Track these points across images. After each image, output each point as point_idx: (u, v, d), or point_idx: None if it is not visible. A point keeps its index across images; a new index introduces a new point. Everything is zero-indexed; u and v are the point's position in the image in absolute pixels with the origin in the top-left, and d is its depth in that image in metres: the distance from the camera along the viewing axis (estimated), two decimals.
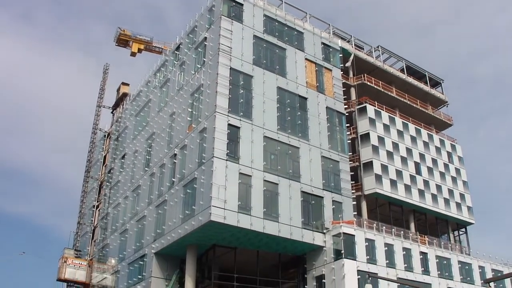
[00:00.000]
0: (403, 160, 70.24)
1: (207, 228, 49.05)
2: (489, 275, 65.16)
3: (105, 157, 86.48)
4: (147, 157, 66.00)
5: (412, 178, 70.18)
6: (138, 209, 64.07)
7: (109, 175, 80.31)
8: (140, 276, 59.08)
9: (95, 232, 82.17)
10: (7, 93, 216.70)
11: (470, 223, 77.98)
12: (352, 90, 71.59)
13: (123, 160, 75.13)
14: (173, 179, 56.59)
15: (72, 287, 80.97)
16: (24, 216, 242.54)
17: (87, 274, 76.64)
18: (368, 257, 54.65)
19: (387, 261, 56.32)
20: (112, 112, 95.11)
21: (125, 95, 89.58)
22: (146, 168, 65.40)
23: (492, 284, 30.73)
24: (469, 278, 64.88)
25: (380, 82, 75.10)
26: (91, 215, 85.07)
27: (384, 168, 66.90)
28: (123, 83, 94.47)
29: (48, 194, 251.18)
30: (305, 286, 55.26)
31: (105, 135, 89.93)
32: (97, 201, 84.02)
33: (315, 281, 54.46)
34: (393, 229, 60.21)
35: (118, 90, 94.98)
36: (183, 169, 55.20)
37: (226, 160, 50.41)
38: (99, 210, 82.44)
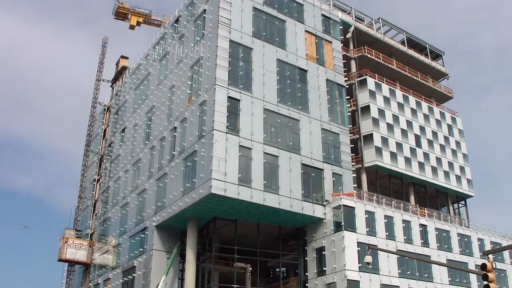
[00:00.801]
0: (403, 132, 70.21)
1: (207, 200, 49.22)
2: (488, 247, 65.61)
3: (105, 130, 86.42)
4: (147, 130, 65.95)
5: (412, 150, 70.22)
6: (139, 182, 64.19)
7: (109, 148, 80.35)
8: (141, 249, 59.39)
9: (96, 206, 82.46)
10: (7, 66, 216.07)
11: (470, 196, 78.27)
12: (353, 63, 71.29)
13: (123, 134, 75.10)
14: (173, 152, 56.61)
15: (73, 267, 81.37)
16: (25, 189, 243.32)
17: (88, 254, 76.80)
18: (368, 229, 54.92)
19: (387, 233, 56.62)
20: (111, 86, 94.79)
21: (124, 68, 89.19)
22: (146, 142, 65.39)
23: (490, 256, 30.75)
24: (468, 250, 65.30)
25: (381, 54, 74.75)
26: (92, 189, 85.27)
27: (384, 140, 66.89)
28: (122, 57, 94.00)
29: (49, 168, 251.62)
30: (305, 258, 55.64)
31: (104, 109, 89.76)
32: (98, 175, 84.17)
33: (315, 253, 54.79)
34: (393, 202, 60.39)
35: (117, 63, 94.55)
36: (183, 142, 55.18)
37: (226, 133, 50.40)
38: (99, 184, 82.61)
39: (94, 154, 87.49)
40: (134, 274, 59.41)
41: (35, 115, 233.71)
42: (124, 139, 74.06)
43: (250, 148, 51.55)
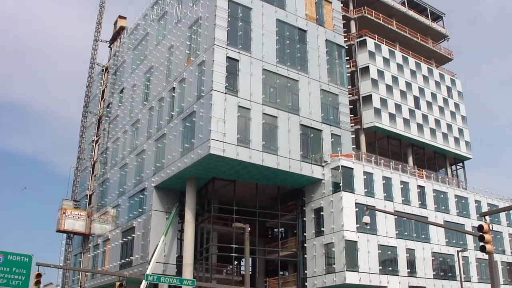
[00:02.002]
0: (403, 94, 70.02)
1: (206, 161, 49.31)
2: (484, 209, 66.02)
3: (103, 91, 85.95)
4: (146, 91, 65.66)
5: (411, 112, 70.15)
6: (138, 143, 64.17)
7: (107, 109, 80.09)
8: (140, 210, 59.69)
9: (95, 167, 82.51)
10: (5, 30, 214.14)
11: (468, 158, 78.52)
12: (352, 23, 70.75)
13: (121, 94, 74.80)
14: (172, 113, 56.49)
15: (72, 240, 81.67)
16: (25, 151, 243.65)
17: (86, 224, 76.84)
18: (366, 190, 55.18)
19: (385, 194, 56.91)
20: (109, 46, 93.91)
21: (122, 28, 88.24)
22: (144, 102, 65.17)
23: (487, 217, 30.98)
24: (465, 212, 65.75)
25: (381, 15, 74.08)
26: (90, 150, 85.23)
27: (383, 101, 66.74)
28: (120, 17, 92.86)
29: (49, 130, 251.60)
30: (304, 219, 56.00)
31: (103, 70, 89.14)
32: (97, 136, 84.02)
33: (313, 213, 55.13)
34: (391, 163, 60.55)
35: (115, 23, 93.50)
36: (182, 102, 55.01)
37: (225, 93, 50.24)
38: (98, 145, 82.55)
39: (92, 115, 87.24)
40: (133, 235, 59.82)
41: (34, 78, 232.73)
42: (122, 99, 73.80)
43: (249, 109, 51.45)
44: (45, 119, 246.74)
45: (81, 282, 76.23)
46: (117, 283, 38.36)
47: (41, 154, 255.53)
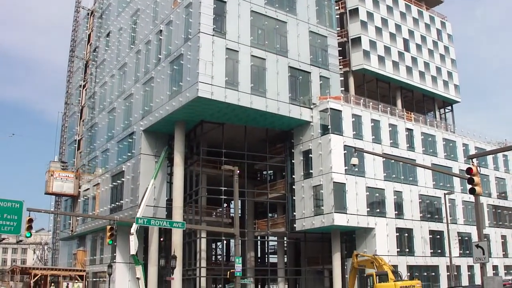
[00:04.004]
0: (392, 36, 69.50)
1: (194, 104, 49.08)
2: (472, 152, 66.46)
3: (89, 35, 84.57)
4: (132, 34, 64.72)
5: (400, 54, 69.79)
6: (125, 87, 63.64)
7: (94, 53, 79.07)
8: (129, 154, 59.64)
9: (83, 112, 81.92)
10: None
11: (456, 102, 78.74)
12: None
13: (108, 38, 73.72)
14: (160, 56, 55.86)
15: (60, 202, 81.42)
16: (12, 99, 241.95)
17: (74, 186, 76.12)
18: (354, 132, 55.33)
19: (373, 137, 57.14)
20: None
21: None
22: (131, 46, 64.35)
23: (475, 160, 31.14)
24: (452, 155, 66.27)
25: None
26: (78, 95, 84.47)
27: (372, 44, 66.26)
28: None
29: (36, 77, 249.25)
30: (292, 161, 56.25)
31: (88, 13, 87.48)
32: (84, 81, 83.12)
33: (302, 155, 55.36)
34: (380, 105, 60.56)
35: None
36: (169, 45, 54.34)
37: (213, 35, 49.62)
38: (86, 90, 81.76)
39: (79, 60, 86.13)
40: (123, 179, 59.97)
41: (21, 25, 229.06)
42: (109, 43, 72.79)
43: (237, 51, 50.97)
44: (32, 66, 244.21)
45: (72, 227, 76.66)
46: (108, 227, 38.69)
47: (28, 100, 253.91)
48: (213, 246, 79.04)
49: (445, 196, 57.22)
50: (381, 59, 66.65)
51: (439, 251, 60.06)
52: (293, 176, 55.93)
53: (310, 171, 53.90)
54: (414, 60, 71.57)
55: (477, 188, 27.97)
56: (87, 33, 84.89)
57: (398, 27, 70.94)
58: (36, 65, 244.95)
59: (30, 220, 35.12)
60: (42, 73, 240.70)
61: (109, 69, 70.65)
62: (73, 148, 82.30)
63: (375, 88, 66.87)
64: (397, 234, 56.15)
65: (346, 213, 52.22)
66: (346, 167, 52.64)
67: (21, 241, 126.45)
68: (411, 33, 72.81)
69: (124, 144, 61.60)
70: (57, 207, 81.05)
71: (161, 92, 53.91)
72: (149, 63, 58.27)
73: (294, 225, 55.12)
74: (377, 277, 39.51)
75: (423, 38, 74.65)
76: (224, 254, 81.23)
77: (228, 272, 41.69)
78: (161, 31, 56.49)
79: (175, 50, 52.86)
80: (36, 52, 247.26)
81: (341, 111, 54.79)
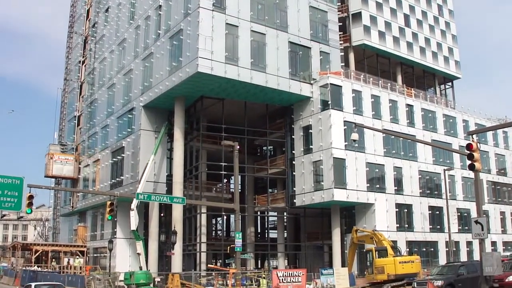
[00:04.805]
0: (393, 11, 68.97)
1: (194, 79, 48.91)
2: (472, 128, 66.56)
3: (88, 11, 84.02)
4: (132, 9, 64.23)
5: (401, 30, 69.38)
6: (125, 62, 63.34)
7: (93, 29, 78.58)
8: (129, 130, 59.59)
9: (82, 88, 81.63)
10: None
11: (457, 78, 78.49)
12: None
13: (107, 14, 73.17)
14: (159, 31, 55.54)
15: (60, 185, 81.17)
16: (12, 75, 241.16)
17: (74, 169, 75.73)
18: (354, 108, 55.25)
19: (373, 113, 57.08)
20: None
21: None
22: (131, 21, 63.93)
23: (475, 136, 31.10)
24: (452, 131, 66.27)
25: None
26: (77, 71, 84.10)
27: (373, 19, 65.78)
28: None
29: (35, 53, 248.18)
30: (292, 136, 56.29)
31: None
32: (83, 57, 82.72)
33: (302, 131, 55.36)
34: (380, 81, 60.46)
35: None
36: (169, 20, 53.98)
37: (212, 10, 49.31)
38: (85, 66, 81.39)
39: (78, 36, 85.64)
40: (123, 155, 59.98)
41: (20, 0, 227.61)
42: (108, 19, 72.29)
43: (237, 26, 50.69)
44: (32, 42, 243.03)
45: (72, 203, 76.82)
46: (108, 202, 38.70)
47: (28, 76, 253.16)
48: (213, 221, 79.39)
49: (444, 172, 57.30)
50: (381, 34, 66.26)
51: (438, 227, 60.30)
52: (293, 152, 55.99)
53: (310, 146, 53.92)
54: (414, 35, 71.17)
55: (477, 164, 27.94)
56: (86, 9, 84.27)
57: (398, 2, 70.36)
58: (37, 41, 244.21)
59: (31, 197, 35.13)
60: (41, 49, 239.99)
61: (108, 45, 70.28)
62: (72, 124, 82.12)
63: (375, 64, 66.60)
64: (397, 209, 56.37)
65: (346, 189, 52.37)
66: (346, 143, 52.69)
67: (21, 217, 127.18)
68: (411, 8, 72.29)
69: (124, 120, 61.51)
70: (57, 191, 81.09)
71: (161, 67, 53.70)
72: (149, 38, 57.96)
73: (294, 201, 55.30)
74: (377, 252, 39.60)
75: (424, 14, 74.16)
76: (224, 229, 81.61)
77: (228, 247, 41.90)
78: (160, 6, 56.10)
79: (174, 25, 52.56)
80: (37, 29, 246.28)
81: (341, 86, 54.66)
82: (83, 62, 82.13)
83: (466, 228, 60.59)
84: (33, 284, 32.91)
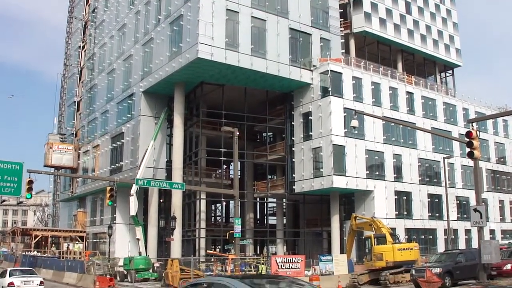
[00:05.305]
0: None
1: (194, 65, 48.79)
2: (472, 116, 66.22)
3: None
4: None
5: (402, 17, 69.09)
6: (125, 48, 63.16)
7: (93, 14, 78.29)
8: (129, 115, 59.55)
9: (82, 73, 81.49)
10: None
11: (458, 65, 78.29)
12: None
13: None
14: (159, 17, 55.34)
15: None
16: (12, 60, 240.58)
17: (73, 158, 75.53)
18: (354, 95, 55.15)
19: (373, 100, 56.99)
20: None
21: None
22: (131, 6, 63.67)
23: (474, 124, 31.08)
24: (452, 119, 66.19)
25: None
26: (77, 56, 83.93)
27: (374, 6, 65.49)
28: None
29: (35, 39, 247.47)
30: (292, 123, 56.25)
31: None
32: (83, 42, 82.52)
33: (301, 117, 55.31)
34: (381, 68, 60.28)
35: None
36: (169, 6, 53.79)
37: None
38: (85, 51, 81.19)
39: (78, 21, 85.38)
40: (122, 140, 59.99)
41: None
42: (108, 4, 71.97)
43: (238, 12, 50.49)
44: (31, 27, 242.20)
45: (72, 188, 76.92)
46: (108, 188, 38.70)
47: (29, 62, 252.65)
48: (213, 207, 79.49)
49: (444, 160, 57.28)
50: (382, 21, 66.02)
51: (437, 214, 60.41)
52: (293, 138, 55.98)
53: (310, 133, 53.90)
54: (415, 23, 70.91)
55: (476, 152, 27.93)
56: None
57: None
58: (37, 27, 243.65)
59: (30, 182, 35.06)
60: (40, 34, 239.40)
61: (108, 30, 70.05)
62: (72, 110, 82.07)
63: (376, 51, 66.38)
64: (396, 197, 56.43)
65: (345, 176, 52.42)
66: (346, 130, 52.67)
67: (21, 202, 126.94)
68: None
69: (123, 105, 61.45)
70: (56, 181, 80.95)
71: (161, 53, 53.56)
72: (149, 24, 57.78)
73: (293, 187, 55.35)
74: (375, 239, 39.67)
75: (425, 1, 73.79)
76: (224, 215, 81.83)
77: (228, 233, 41.91)
78: None
79: (175, 11, 52.37)
80: (37, 14, 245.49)
81: (341, 73, 54.55)
82: (83, 47, 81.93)
83: (465, 216, 60.63)
84: (8, 269, 34.42)
